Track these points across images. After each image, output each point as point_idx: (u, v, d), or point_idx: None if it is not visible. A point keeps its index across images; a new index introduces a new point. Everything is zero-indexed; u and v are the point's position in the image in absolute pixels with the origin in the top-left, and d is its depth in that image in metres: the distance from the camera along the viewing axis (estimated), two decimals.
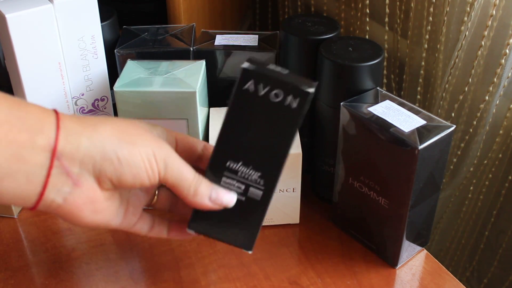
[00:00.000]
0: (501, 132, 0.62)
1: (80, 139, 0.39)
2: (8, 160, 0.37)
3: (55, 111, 0.40)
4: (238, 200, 0.46)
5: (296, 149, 0.55)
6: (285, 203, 0.58)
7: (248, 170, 0.45)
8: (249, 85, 0.43)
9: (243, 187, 0.45)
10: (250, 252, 0.47)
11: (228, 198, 0.45)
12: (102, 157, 0.40)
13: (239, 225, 0.47)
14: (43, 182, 0.39)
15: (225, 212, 0.46)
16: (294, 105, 0.43)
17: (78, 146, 0.39)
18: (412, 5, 0.65)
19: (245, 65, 0.43)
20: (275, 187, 0.45)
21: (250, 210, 0.46)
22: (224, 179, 0.45)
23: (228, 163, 0.45)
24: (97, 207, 0.42)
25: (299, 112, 0.43)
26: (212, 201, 0.44)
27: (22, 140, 0.38)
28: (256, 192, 0.45)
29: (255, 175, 0.45)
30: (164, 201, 0.50)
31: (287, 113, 0.43)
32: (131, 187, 0.43)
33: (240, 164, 0.45)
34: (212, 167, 0.45)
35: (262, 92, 0.43)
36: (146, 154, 0.41)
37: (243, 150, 0.45)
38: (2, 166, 0.37)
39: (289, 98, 0.43)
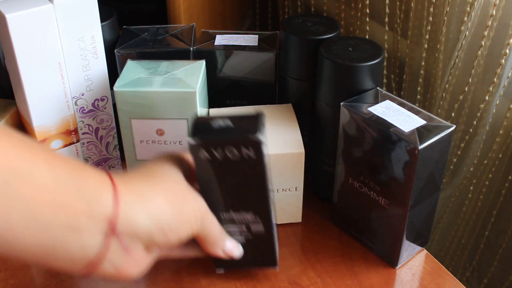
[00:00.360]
0: (501, 132, 0.62)
1: (139, 217, 0.41)
2: (65, 230, 0.37)
3: (110, 177, 0.41)
4: (246, 238, 0.50)
5: (298, 148, 0.55)
6: (288, 202, 0.58)
7: (240, 214, 0.48)
8: (203, 155, 0.45)
9: (244, 227, 0.49)
10: (277, 269, 0.53)
11: (237, 253, 0.50)
12: (157, 230, 0.42)
13: (258, 252, 0.51)
14: (98, 255, 0.39)
15: (243, 248, 0.51)
16: (252, 155, 0.44)
17: (136, 224, 0.41)
18: (412, 5, 0.65)
19: (191, 141, 0.44)
20: (271, 216, 0.49)
21: (262, 239, 0.50)
22: (225, 228, 0.49)
23: (220, 215, 0.48)
24: (140, 265, 0.43)
25: (260, 160, 0.44)
26: (224, 253, 0.50)
27: (79, 210, 0.38)
28: (257, 227, 0.49)
29: (248, 215, 0.49)
30: None
31: (249, 164, 0.45)
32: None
33: (231, 212, 0.48)
34: None
35: (218, 155, 0.45)
36: (190, 220, 0.44)
37: (227, 201, 0.48)
38: (57, 235, 0.37)
39: (244, 150, 0.44)
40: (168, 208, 0.42)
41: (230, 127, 0.44)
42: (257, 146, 0.43)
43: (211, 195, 0.47)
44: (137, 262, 0.42)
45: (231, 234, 0.50)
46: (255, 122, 0.45)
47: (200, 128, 0.45)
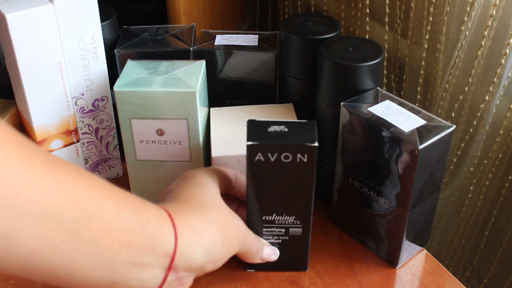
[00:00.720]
0: (501, 132, 0.62)
1: (195, 252, 0.43)
2: (128, 266, 0.39)
3: (168, 212, 0.43)
4: (283, 240, 0.52)
5: None
6: None
7: (283, 218, 0.50)
8: (258, 157, 0.47)
9: (283, 230, 0.51)
10: (306, 270, 0.55)
11: (274, 257, 0.52)
12: (209, 261, 0.45)
13: (291, 255, 0.53)
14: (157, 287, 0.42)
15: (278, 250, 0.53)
16: (305, 160, 0.47)
17: (193, 259, 0.43)
18: (412, 5, 0.65)
19: (249, 142, 0.46)
20: (310, 221, 0.51)
21: (296, 243, 0.52)
22: (264, 230, 0.52)
23: (263, 217, 0.51)
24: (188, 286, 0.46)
25: (312, 164, 0.47)
26: (262, 260, 0.52)
27: (142, 249, 0.39)
28: (296, 230, 0.51)
29: (290, 219, 0.51)
30: None
31: (301, 167, 0.47)
32: None
33: (274, 215, 0.51)
34: (252, 224, 0.51)
35: (273, 159, 0.47)
36: (234, 244, 0.47)
37: (272, 205, 0.50)
38: (120, 271, 0.39)
39: (298, 156, 0.47)
40: (219, 238, 0.45)
41: (286, 132, 0.47)
42: (312, 152, 0.46)
43: (259, 198, 0.49)
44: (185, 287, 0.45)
45: (269, 236, 0.52)
46: (310, 129, 0.48)
47: (257, 131, 0.47)
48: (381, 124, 0.50)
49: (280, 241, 0.52)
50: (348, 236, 0.59)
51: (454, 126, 0.50)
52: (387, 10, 0.70)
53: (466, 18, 0.59)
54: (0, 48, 0.63)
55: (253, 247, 0.50)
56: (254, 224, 0.51)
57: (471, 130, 0.64)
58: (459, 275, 0.75)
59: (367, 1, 0.71)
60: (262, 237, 0.52)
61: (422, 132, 0.49)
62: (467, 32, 0.59)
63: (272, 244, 0.53)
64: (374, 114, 0.51)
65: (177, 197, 0.47)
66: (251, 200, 0.50)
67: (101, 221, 0.37)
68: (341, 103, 0.53)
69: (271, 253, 0.52)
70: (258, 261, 0.52)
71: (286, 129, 0.47)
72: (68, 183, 0.36)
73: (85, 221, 0.36)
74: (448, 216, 0.72)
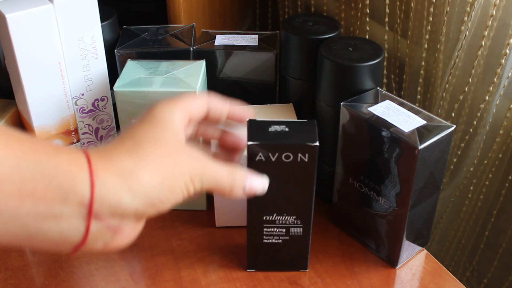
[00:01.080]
0: (501, 132, 0.62)
1: (120, 195, 0.38)
2: (37, 219, 0.36)
3: (88, 157, 0.38)
4: (283, 240, 0.52)
5: None
6: None
7: (283, 218, 0.51)
8: (259, 157, 0.47)
9: (284, 230, 0.51)
10: (306, 270, 0.54)
11: (261, 188, 0.46)
12: (144, 205, 0.39)
13: (291, 255, 0.53)
14: (81, 238, 0.38)
15: (276, 249, 0.52)
16: (306, 159, 0.47)
17: (119, 204, 0.38)
18: (412, 5, 0.65)
19: (249, 141, 0.46)
20: (311, 221, 0.51)
21: (297, 243, 0.52)
22: (265, 230, 0.51)
23: (264, 217, 0.50)
24: (130, 236, 0.42)
25: (312, 164, 0.47)
26: (246, 193, 0.46)
27: (50, 199, 0.36)
28: (296, 230, 0.51)
29: (291, 219, 0.51)
30: None
31: (301, 167, 0.47)
32: None
33: (274, 215, 0.50)
34: (252, 224, 0.51)
35: (274, 158, 0.47)
36: (183, 185, 0.41)
37: (273, 205, 0.50)
38: (30, 226, 0.36)
39: (299, 155, 0.47)
40: (156, 181, 0.40)
41: (287, 132, 0.47)
42: (313, 152, 0.46)
43: (259, 197, 0.48)
44: (127, 235, 0.41)
45: (270, 236, 0.52)
46: (311, 128, 0.47)
47: (257, 131, 0.47)
48: (381, 124, 0.50)
49: (280, 241, 0.52)
50: (348, 236, 0.59)
51: (454, 126, 0.50)
52: (387, 10, 0.70)
53: (466, 18, 0.59)
54: (0, 48, 0.63)
55: (222, 182, 0.44)
56: (255, 224, 0.51)
57: (471, 130, 0.64)
58: (459, 275, 0.75)
59: (367, 1, 0.71)
60: (262, 238, 0.52)
61: (422, 132, 0.49)
62: (467, 32, 0.59)
63: (273, 244, 0.52)
64: (374, 114, 0.51)
65: (117, 138, 0.42)
66: (251, 200, 0.49)
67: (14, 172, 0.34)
68: (341, 103, 0.53)
69: (255, 185, 0.46)
70: (240, 194, 0.45)
71: (286, 129, 0.47)
72: None
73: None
74: (448, 216, 0.72)
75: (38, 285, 0.53)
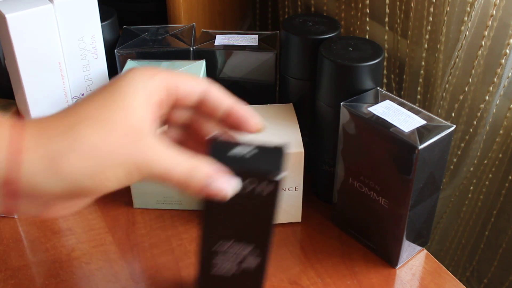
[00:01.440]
0: (501, 132, 0.62)
1: (43, 179, 0.35)
2: None
3: (20, 130, 0.35)
4: (238, 272, 0.45)
5: (298, 147, 0.55)
6: (287, 201, 0.58)
7: (240, 246, 0.44)
8: None
9: (239, 259, 0.45)
10: None
11: (222, 191, 0.39)
12: (70, 191, 0.36)
13: (246, 285, 0.47)
14: (4, 210, 0.36)
15: (228, 285, 0.46)
16: (267, 190, 0.41)
17: (39, 186, 0.36)
18: (412, 5, 0.65)
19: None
20: (269, 251, 0.45)
21: (254, 273, 0.46)
22: (219, 257, 0.45)
23: (219, 244, 0.44)
24: (66, 209, 0.38)
25: (274, 196, 0.41)
26: (204, 192, 0.39)
27: None
28: (253, 260, 0.45)
29: (248, 248, 0.44)
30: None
31: (262, 198, 0.41)
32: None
33: (232, 242, 0.44)
34: (203, 252, 0.45)
35: None
36: (126, 172, 0.37)
37: (230, 232, 0.44)
38: None
39: (261, 185, 0.40)
40: (85, 169, 0.36)
41: (251, 157, 0.41)
42: (276, 184, 0.40)
43: (215, 223, 0.44)
44: (62, 209, 0.38)
45: (224, 263, 0.46)
46: (278, 156, 0.41)
47: (218, 152, 0.41)
48: (381, 124, 0.50)
49: (236, 271, 0.46)
50: (348, 236, 0.59)
51: (454, 126, 0.50)
52: (387, 10, 0.70)
53: (466, 18, 0.59)
54: (0, 48, 0.63)
55: (176, 175, 0.38)
56: (206, 253, 0.45)
57: (471, 130, 0.64)
58: (459, 275, 0.75)
59: (367, 1, 0.71)
60: (211, 268, 0.46)
61: (422, 132, 0.49)
62: (467, 32, 0.59)
63: (225, 276, 0.46)
64: (374, 114, 0.51)
65: (69, 107, 0.39)
66: (206, 224, 0.43)
67: None
68: (341, 103, 0.53)
69: (217, 186, 0.39)
70: (196, 192, 0.39)
71: (254, 152, 0.40)
72: None
73: None
74: (448, 216, 0.72)
75: (38, 285, 0.53)
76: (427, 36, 0.65)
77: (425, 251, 0.57)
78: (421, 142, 0.47)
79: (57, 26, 0.56)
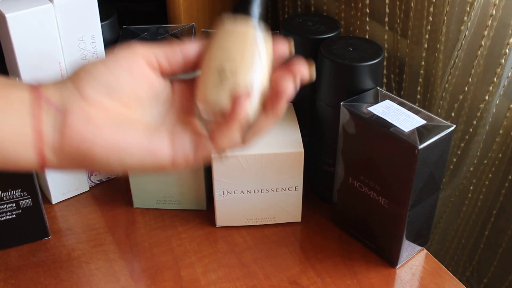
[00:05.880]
0: (501, 132, 0.62)
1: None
2: None
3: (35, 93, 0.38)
4: (16, 215, 0.55)
5: (298, 147, 0.55)
6: (287, 201, 0.58)
7: (9, 192, 0.54)
8: None
9: (14, 205, 0.55)
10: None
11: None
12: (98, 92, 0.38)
13: (29, 226, 0.56)
14: (32, 118, 0.37)
15: (13, 225, 0.55)
16: None
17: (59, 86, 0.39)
18: (412, 5, 0.65)
19: None
20: (38, 191, 0.54)
21: (31, 213, 0.56)
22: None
23: None
24: (99, 122, 0.39)
25: None
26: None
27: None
28: (26, 202, 0.56)
29: (17, 192, 0.54)
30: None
31: None
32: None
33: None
34: None
35: None
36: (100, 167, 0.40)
37: None
38: None
39: None
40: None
41: None
42: None
43: None
44: (87, 118, 0.38)
45: (2, 213, 0.54)
46: None
47: None
48: (381, 124, 0.50)
49: (14, 216, 0.54)
50: (348, 236, 0.59)
51: (454, 126, 0.50)
52: (387, 10, 0.70)
53: (466, 18, 0.59)
54: (0, 48, 0.63)
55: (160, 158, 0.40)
56: None
57: (471, 130, 0.64)
58: (459, 275, 0.75)
59: (367, 1, 0.71)
60: None
61: (422, 132, 0.49)
62: (467, 32, 0.59)
63: (7, 221, 0.55)
64: (374, 114, 0.51)
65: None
66: None
67: None
68: (341, 103, 0.53)
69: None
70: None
71: None
72: None
73: None
74: (448, 216, 0.72)
75: (38, 285, 0.53)
76: (427, 36, 0.65)
77: (425, 251, 0.57)
78: (421, 142, 0.47)
79: (57, 26, 0.55)
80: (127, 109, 0.40)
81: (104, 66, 0.39)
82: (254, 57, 0.40)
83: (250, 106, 0.39)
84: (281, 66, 0.42)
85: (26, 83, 0.39)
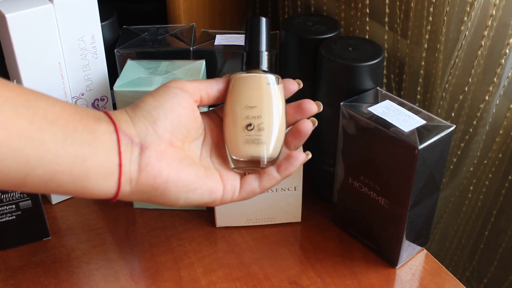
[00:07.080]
0: (501, 132, 0.62)
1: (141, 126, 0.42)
2: (78, 146, 0.38)
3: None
4: (16, 217, 0.56)
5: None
6: (287, 201, 0.58)
7: (9, 194, 0.54)
8: None
9: (14, 206, 0.57)
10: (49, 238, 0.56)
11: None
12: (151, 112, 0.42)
13: (30, 227, 0.56)
14: (117, 153, 0.40)
15: (14, 227, 0.55)
16: None
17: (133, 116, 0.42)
18: (412, 5, 0.65)
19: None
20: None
21: (31, 214, 0.56)
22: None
23: None
24: (169, 159, 0.42)
25: None
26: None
27: (81, 127, 0.39)
28: (26, 204, 0.56)
29: (16, 194, 0.55)
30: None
31: None
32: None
33: None
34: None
35: None
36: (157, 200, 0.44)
37: None
38: (84, 145, 0.38)
39: None
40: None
41: None
42: None
43: None
44: (161, 154, 0.42)
45: (2, 215, 0.53)
46: None
47: None
48: (381, 124, 0.50)
49: (14, 217, 0.54)
50: (348, 236, 0.59)
51: (454, 126, 0.50)
52: (387, 10, 0.70)
53: (466, 18, 0.59)
54: (0, 48, 0.63)
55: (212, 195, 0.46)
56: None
57: (471, 130, 0.64)
58: (459, 275, 0.75)
59: (367, 1, 0.71)
60: None
61: (422, 132, 0.49)
62: (467, 32, 0.59)
63: (6, 222, 0.54)
64: (374, 114, 0.51)
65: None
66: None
67: (54, 109, 0.39)
68: (341, 103, 0.53)
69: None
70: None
71: None
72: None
73: (38, 109, 0.38)
74: (448, 216, 0.72)
75: (38, 285, 0.53)
76: (427, 36, 0.65)
77: (425, 251, 0.57)
78: (421, 142, 0.47)
79: (57, 26, 0.56)
80: (182, 144, 0.44)
81: (164, 104, 0.43)
82: (273, 105, 0.47)
83: (276, 149, 0.48)
84: (292, 106, 0.50)
85: (101, 112, 0.41)
